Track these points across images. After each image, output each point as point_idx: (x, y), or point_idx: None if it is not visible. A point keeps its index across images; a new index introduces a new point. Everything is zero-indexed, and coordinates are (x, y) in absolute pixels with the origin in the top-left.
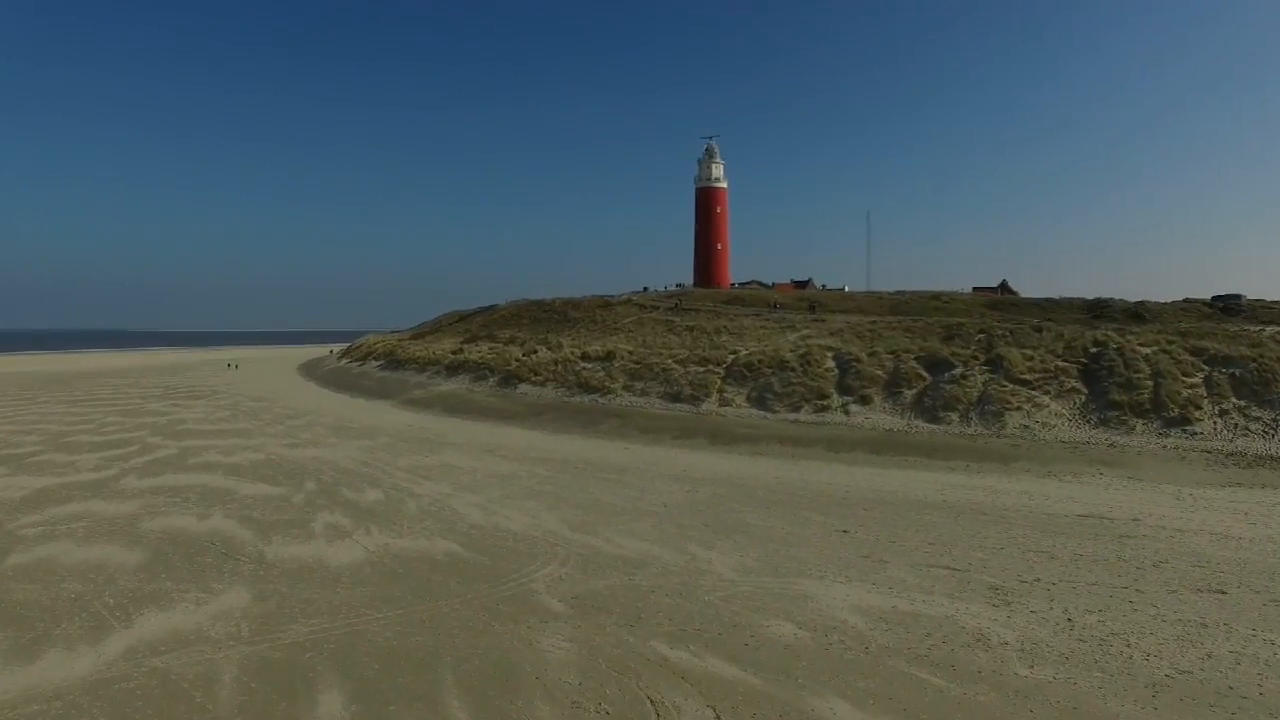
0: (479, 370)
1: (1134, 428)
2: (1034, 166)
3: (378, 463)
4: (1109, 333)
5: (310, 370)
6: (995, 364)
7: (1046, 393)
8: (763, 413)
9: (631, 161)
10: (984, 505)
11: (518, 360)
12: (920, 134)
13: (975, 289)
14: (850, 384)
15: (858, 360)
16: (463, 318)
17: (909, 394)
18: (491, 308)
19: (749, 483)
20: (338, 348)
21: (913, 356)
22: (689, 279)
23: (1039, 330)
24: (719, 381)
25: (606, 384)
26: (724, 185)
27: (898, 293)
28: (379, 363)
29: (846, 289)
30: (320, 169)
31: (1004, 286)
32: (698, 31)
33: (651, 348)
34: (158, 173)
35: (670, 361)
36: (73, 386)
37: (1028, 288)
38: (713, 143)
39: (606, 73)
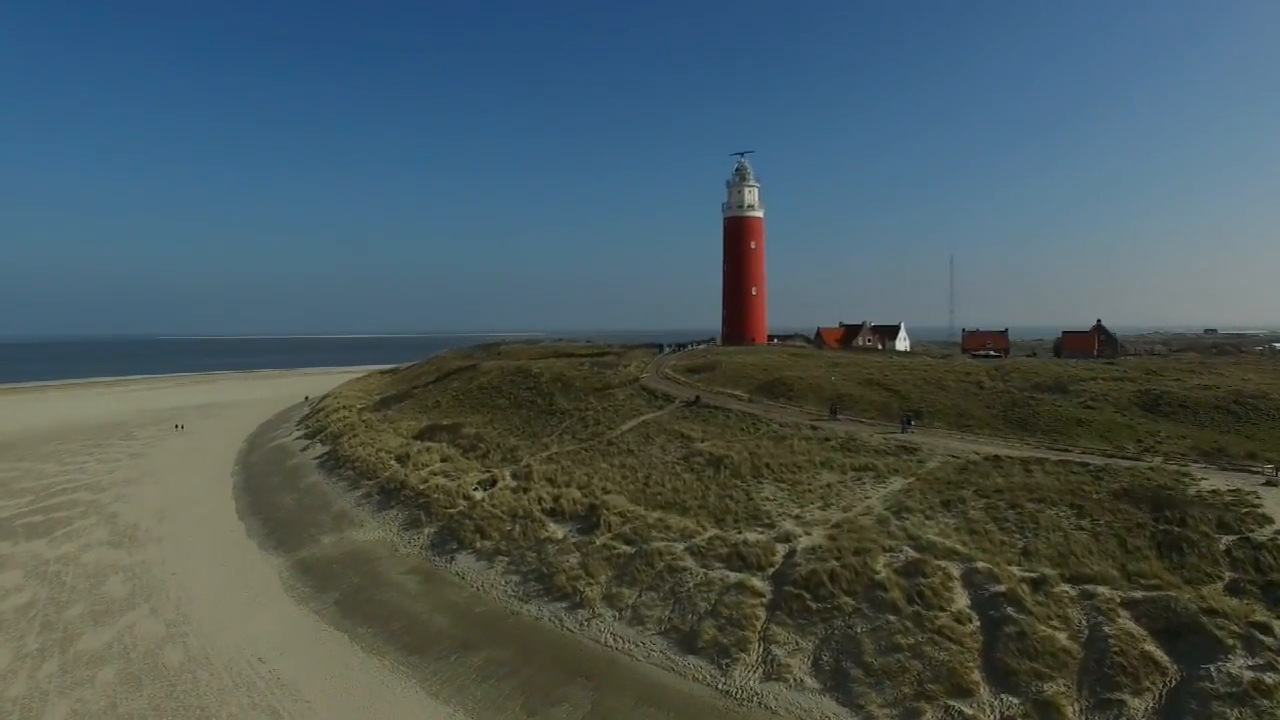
0: (415, 508)
1: None
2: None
3: None
4: None
5: (254, 447)
6: None
7: None
8: (847, 710)
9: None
10: None
11: (465, 499)
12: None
13: (1065, 333)
14: (1009, 662)
15: (1015, 603)
16: (443, 375)
17: (1138, 707)
18: (493, 349)
19: None
20: (325, 388)
21: (1119, 601)
22: (716, 310)
23: None
24: (762, 615)
25: (580, 585)
26: (759, 214)
27: (988, 353)
28: (323, 451)
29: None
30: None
31: (1099, 329)
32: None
33: (654, 498)
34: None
35: (681, 550)
36: None
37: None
38: (744, 161)
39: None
